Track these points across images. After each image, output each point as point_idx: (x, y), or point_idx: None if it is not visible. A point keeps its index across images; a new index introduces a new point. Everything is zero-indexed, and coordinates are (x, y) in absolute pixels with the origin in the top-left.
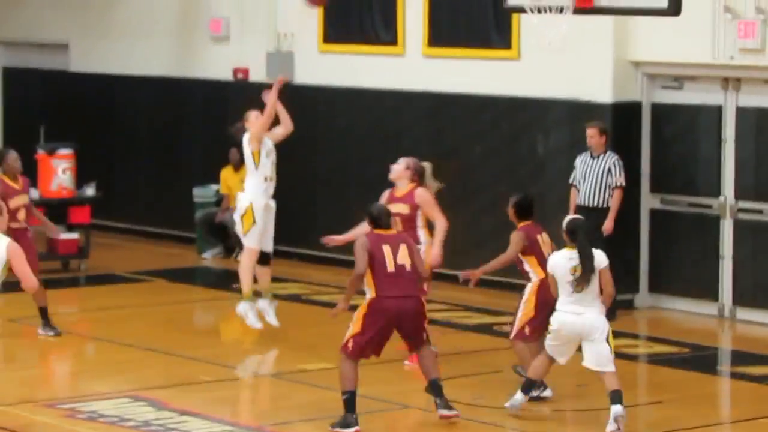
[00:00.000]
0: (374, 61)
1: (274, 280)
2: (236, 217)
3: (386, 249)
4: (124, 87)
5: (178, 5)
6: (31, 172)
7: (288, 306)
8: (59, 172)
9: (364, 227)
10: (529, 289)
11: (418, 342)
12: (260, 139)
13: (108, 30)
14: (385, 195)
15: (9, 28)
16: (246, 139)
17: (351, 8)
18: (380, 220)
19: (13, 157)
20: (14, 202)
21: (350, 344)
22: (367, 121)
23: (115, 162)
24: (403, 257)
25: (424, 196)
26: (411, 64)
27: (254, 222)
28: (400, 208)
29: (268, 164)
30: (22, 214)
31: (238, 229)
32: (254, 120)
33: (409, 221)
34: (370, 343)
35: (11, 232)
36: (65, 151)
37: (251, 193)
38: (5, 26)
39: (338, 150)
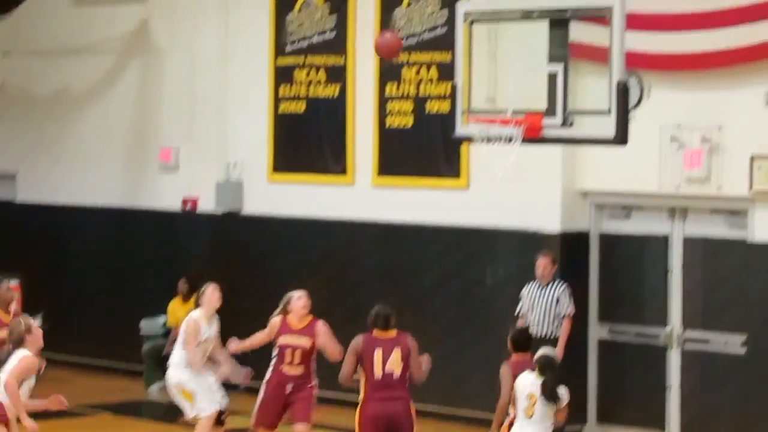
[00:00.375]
0: (324, 191)
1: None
2: (175, 398)
3: (377, 354)
4: (73, 217)
5: (128, 135)
6: None
7: None
8: None
9: (261, 335)
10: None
11: None
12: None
13: (57, 160)
14: (277, 325)
15: None
16: (192, 315)
17: (301, 138)
18: (377, 322)
19: (4, 287)
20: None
21: None
22: (318, 250)
23: (62, 293)
24: (394, 363)
25: (324, 328)
26: (361, 194)
27: (191, 395)
28: (302, 341)
29: (199, 351)
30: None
31: (183, 407)
32: (210, 294)
33: (309, 353)
34: None
35: None
36: (12, 284)
37: (176, 371)
38: None
39: (289, 278)
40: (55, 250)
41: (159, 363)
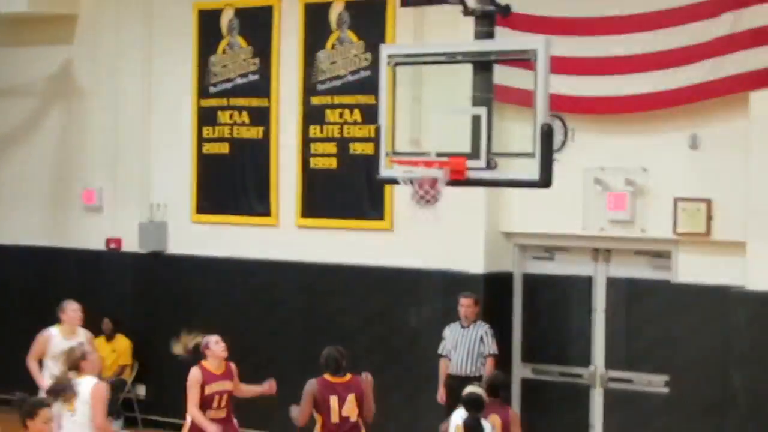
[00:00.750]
0: (248, 232)
1: None
2: None
3: (333, 400)
4: None
5: (51, 175)
6: None
7: None
8: None
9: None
10: None
11: None
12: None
13: None
14: (197, 376)
15: None
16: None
17: (225, 179)
18: (329, 366)
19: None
20: None
21: None
22: (242, 290)
23: None
24: (349, 409)
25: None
26: (285, 235)
27: None
28: (227, 386)
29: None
30: None
31: None
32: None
33: (231, 395)
34: None
35: None
36: None
37: None
38: None
39: (214, 318)
40: None
41: None
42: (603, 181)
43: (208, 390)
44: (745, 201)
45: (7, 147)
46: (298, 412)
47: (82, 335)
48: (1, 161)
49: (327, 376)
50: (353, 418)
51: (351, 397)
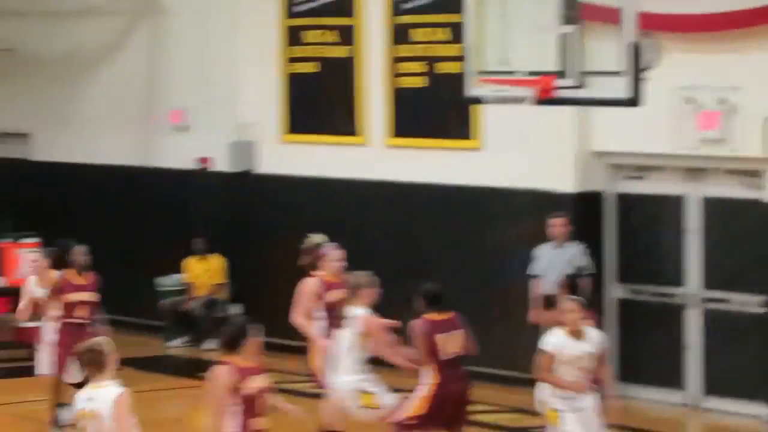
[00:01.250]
0: (336, 152)
1: None
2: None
3: (442, 337)
4: (87, 176)
5: (138, 95)
6: None
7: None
8: (25, 260)
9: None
10: None
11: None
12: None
13: (70, 120)
14: (316, 285)
15: None
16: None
17: (313, 100)
18: (432, 302)
19: (77, 252)
20: (74, 297)
21: (406, 422)
22: (330, 211)
23: None
24: (455, 345)
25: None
26: (373, 155)
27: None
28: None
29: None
30: (82, 311)
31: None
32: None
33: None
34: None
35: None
36: (30, 240)
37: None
38: None
39: (301, 239)
40: (70, 208)
41: (177, 319)
42: (694, 99)
43: (329, 297)
44: None
45: (95, 68)
46: (402, 359)
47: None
48: (90, 82)
49: (430, 315)
50: (459, 353)
51: (455, 334)
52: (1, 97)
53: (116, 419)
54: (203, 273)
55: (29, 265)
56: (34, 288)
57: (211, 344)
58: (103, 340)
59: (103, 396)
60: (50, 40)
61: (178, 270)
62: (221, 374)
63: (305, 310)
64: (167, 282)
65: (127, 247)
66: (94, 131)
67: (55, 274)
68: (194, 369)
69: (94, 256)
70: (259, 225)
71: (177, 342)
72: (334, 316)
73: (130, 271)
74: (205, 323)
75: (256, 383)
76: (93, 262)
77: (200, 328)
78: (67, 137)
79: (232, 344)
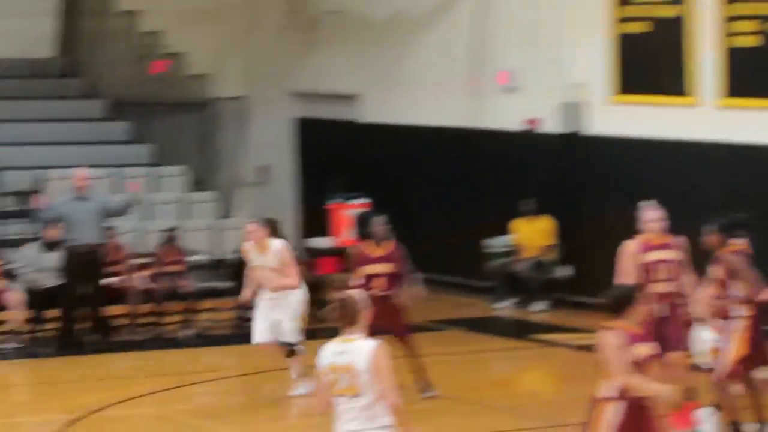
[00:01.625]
0: (667, 112)
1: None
2: None
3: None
4: (414, 138)
5: (466, 57)
6: (322, 221)
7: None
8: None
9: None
10: None
11: None
12: None
13: (397, 82)
14: (635, 246)
15: (303, 80)
16: None
17: (643, 60)
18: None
19: (378, 223)
20: (370, 270)
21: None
22: (661, 172)
23: (402, 212)
24: None
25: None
26: (705, 115)
27: None
28: (669, 255)
29: None
30: (379, 283)
31: None
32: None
33: (680, 266)
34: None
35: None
36: (360, 201)
37: None
38: (300, 79)
39: (630, 200)
40: (396, 169)
41: (505, 280)
42: None
43: (647, 258)
44: None
45: (422, 30)
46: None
47: None
48: (416, 45)
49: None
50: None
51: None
52: (330, 59)
53: (375, 371)
54: (532, 234)
55: (246, 235)
56: (254, 257)
57: (539, 306)
58: (356, 294)
59: (357, 349)
60: (377, 1)
61: (505, 231)
62: (611, 337)
63: (626, 272)
64: (496, 243)
65: (455, 209)
66: (421, 93)
67: (273, 243)
68: (522, 330)
69: (420, 218)
70: (587, 186)
71: (505, 303)
72: (652, 279)
73: (458, 232)
74: (534, 285)
75: (643, 350)
76: (422, 223)
77: (528, 290)
78: (394, 99)
79: (617, 308)
